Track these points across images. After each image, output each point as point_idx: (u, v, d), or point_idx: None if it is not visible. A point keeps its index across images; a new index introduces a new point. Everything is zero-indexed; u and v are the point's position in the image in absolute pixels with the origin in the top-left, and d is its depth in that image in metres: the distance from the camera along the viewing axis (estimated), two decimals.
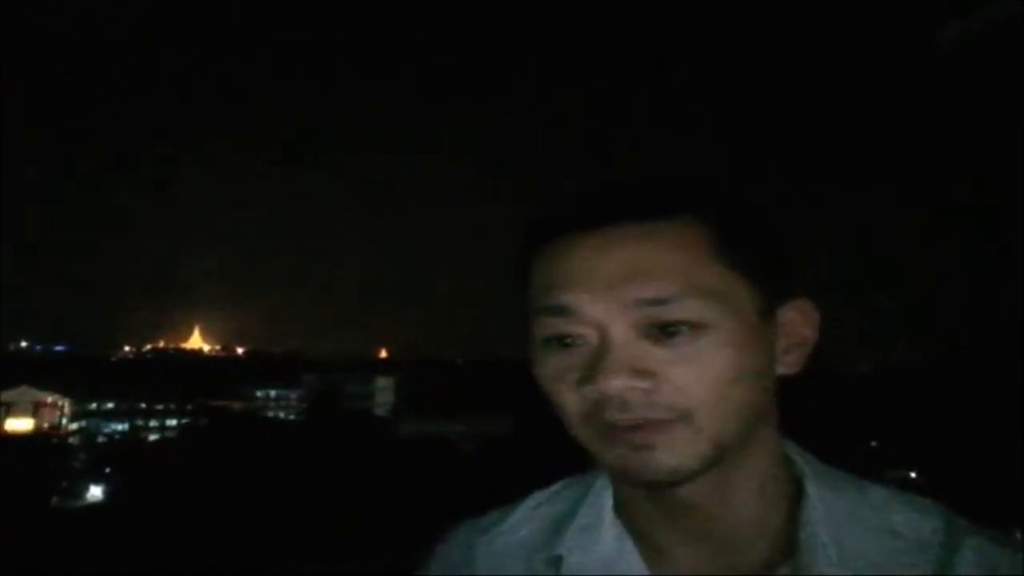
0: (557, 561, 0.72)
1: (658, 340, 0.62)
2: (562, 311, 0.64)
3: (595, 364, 0.62)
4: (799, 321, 0.69)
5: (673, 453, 0.61)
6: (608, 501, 0.73)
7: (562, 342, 0.65)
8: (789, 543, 0.66)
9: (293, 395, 62.49)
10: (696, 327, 0.61)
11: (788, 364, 0.69)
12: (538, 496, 0.81)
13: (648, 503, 0.69)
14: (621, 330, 0.62)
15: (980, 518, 0.68)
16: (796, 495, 0.68)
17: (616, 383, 0.61)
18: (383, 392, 63.42)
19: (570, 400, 0.64)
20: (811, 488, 0.68)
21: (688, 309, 0.61)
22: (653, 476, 0.62)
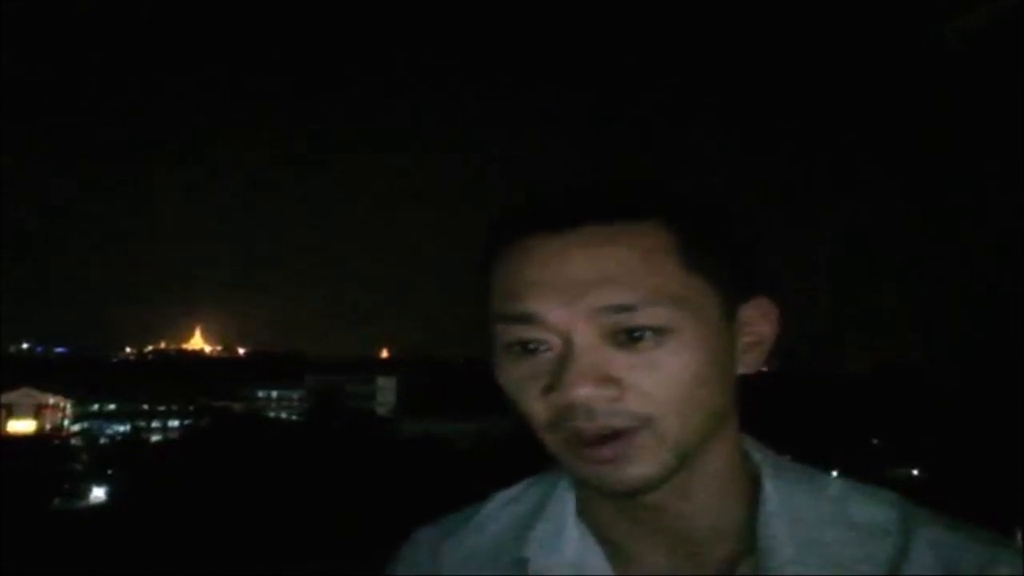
0: (522, 563, 0.71)
1: (622, 345, 0.61)
2: (525, 318, 0.62)
3: (560, 372, 0.61)
4: (758, 320, 0.68)
5: (638, 464, 0.61)
6: (572, 502, 0.73)
7: (525, 348, 0.63)
8: (749, 540, 0.66)
9: (295, 395, 62.61)
10: (660, 332, 0.60)
11: (748, 363, 0.68)
12: (503, 496, 0.80)
13: (610, 505, 0.69)
14: (586, 337, 0.61)
15: (981, 516, 0.68)
16: (755, 491, 0.68)
17: (581, 391, 0.60)
18: (384, 392, 63.48)
19: (535, 408, 0.63)
20: (769, 484, 0.68)
21: (653, 315, 0.60)
22: (620, 487, 0.62)
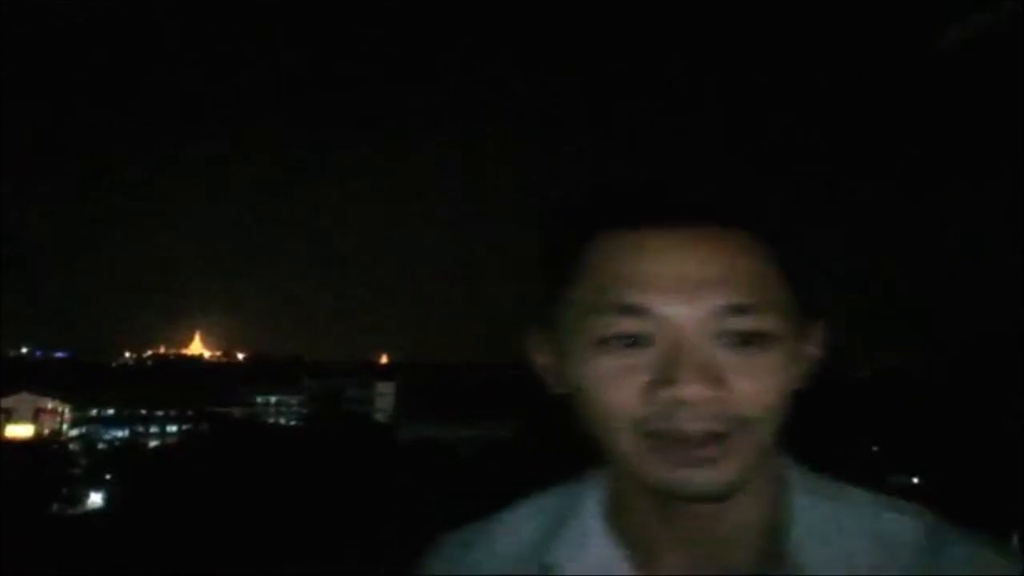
0: (547, 569, 0.71)
1: (731, 348, 0.61)
2: (635, 310, 0.62)
3: (670, 367, 0.60)
4: (813, 341, 0.70)
5: (730, 467, 0.61)
6: (598, 508, 0.73)
7: (626, 341, 0.62)
8: (776, 548, 0.67)
9: (294, 400, 62.54)
10: (768, 339, 0.62)
11: (800, 381, 0.70)
12: (529, 503, 0.80)
13: (644, 509, 0.69)
14: (698, 335, 0.61)
15: (980, 523, 0.68)
16: (783, 501, 0.69)
17: (693, 388, 0.60)
18: (383, 397, 63.35)
19: (630, 402, 0.62)
20: (798, 494, 0.69)
21: (766, 321, 0.62)
22: (706, 491, 0.62)
